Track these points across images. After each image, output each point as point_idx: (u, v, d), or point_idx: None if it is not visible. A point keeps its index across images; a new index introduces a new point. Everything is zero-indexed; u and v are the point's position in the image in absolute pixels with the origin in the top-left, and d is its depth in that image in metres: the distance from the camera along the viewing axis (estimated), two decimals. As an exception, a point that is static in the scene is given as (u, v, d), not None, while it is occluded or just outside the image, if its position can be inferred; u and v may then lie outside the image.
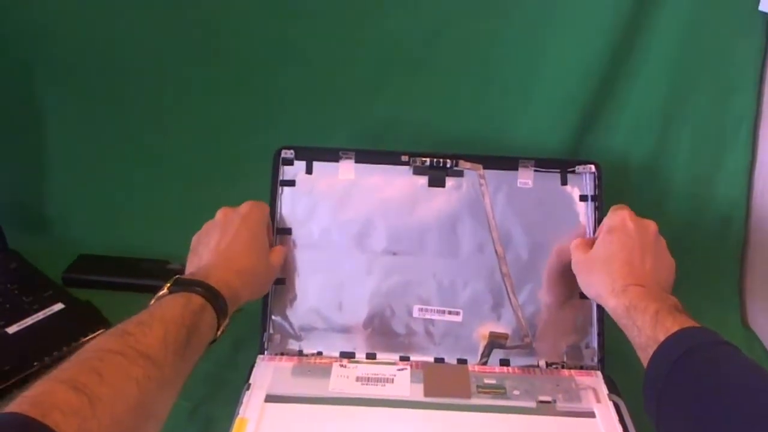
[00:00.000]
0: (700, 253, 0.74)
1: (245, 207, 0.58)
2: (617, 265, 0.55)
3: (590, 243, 0.60)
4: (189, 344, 0.45)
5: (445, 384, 0.58)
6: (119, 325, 0.43)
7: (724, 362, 0.45)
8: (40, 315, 0.66)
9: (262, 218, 0.59)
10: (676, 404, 0.44)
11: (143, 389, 0.39)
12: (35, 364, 0.60)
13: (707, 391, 0.43)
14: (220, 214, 0.59)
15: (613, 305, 0.53)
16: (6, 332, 0.64)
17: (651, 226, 0.58)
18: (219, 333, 0.50)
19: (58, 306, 0.68)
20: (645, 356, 0.48)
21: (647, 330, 0.49)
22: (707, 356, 0.45)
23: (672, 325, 0.47)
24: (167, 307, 0.46)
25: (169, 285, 0.49)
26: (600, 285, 0.56)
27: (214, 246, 0.55)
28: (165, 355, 0.42)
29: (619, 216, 0.58)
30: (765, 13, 0.65)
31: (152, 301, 0.48)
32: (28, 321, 0.65)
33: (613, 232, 0.57)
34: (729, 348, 0.46)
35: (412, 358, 0.62)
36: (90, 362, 0.39)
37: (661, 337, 0.47)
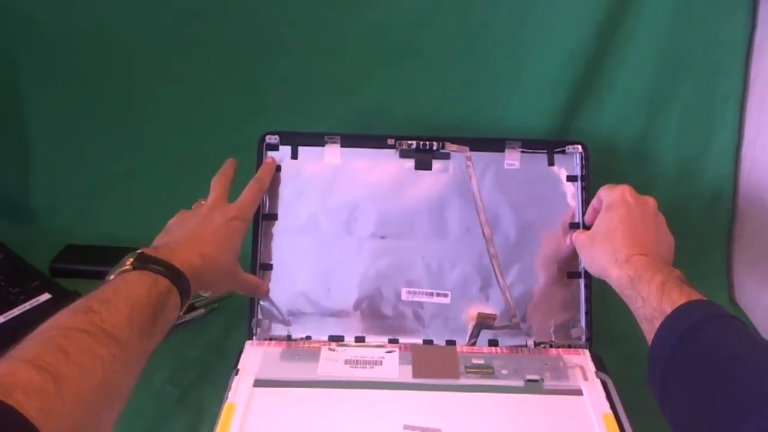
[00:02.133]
0: (688, 231, 0.73)
1: (232, 211, 0.57)
2: (619, 236, 0.55)
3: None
4: (155, 325, 0.44)
5: (433, 365, 0.58)
6: (81, 301, 0.42)
7: (732, 337, 0.44)
8: (27, 305, 0.66)
9: (243, 228, 0.58)
10: (681, 379, 0.43)
11: (108, 368, 0.38)
12: (22, 353, 0.60)
13: (714, 366, 0.42)
14: (207, 206, 0.57)
15: (616, 275, 0.53)
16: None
17: (650, 201, 0.58)
18: (181, 313, 0.50)
19: (45, 296, 0.67)
20: (650, 328, 0.48)
21: (653, 301, 0.48)
22: (714, 330, 0.44)
23: (679, 297, 0.47)
24: (133, 285, 0.45)
25: (132, 260, 0.47)
26: (602, 257, 0.55)
27: (186, 227, 0.54)
28: (130, 335, 0.42)
29: (618, 191, 0.58)
30: (750, -9, 0.65)
31: (111, 275, 0.46)
32: (15, 312, 0.65)
33: (613, 207, 0.57)
34: (736, 322, 0.45)
35: (401, 340, 0.62)
36: (55, 340, 0.38)
37: (668, 309, 0.46)
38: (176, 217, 0.57)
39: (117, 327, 0.41)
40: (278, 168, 0.65)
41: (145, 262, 0.47)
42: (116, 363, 0.39)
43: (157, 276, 0.46)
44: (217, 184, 0.60)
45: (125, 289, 0.44)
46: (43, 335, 0.38)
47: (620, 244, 0.54)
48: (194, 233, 0.54)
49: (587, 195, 0.64)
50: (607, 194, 0.59)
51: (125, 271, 0.46)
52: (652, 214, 0.57)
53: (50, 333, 0.38)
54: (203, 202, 0.58)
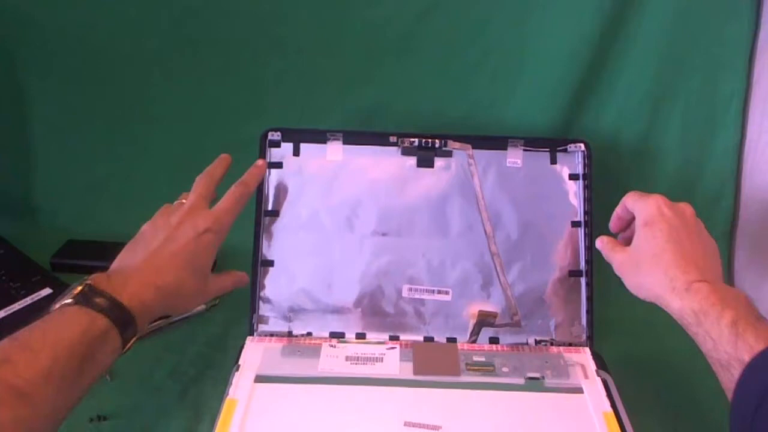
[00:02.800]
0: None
1: (205, 222, 0.51)
2: (669, 259, 0.49)
3: (623, 241, 0.56)
4: (81, 375, 0.41)
5: (434, 362, 0.58)
6: (5, 343, 0.39)
7: None
8: (28, 300, 0.66)
9: (215, 241, 0.52)
10: None
11: None
12: (23, 348, 0.60)
13: None
14: (181, 213, 0.52)
15: (678, 307, 0.48)
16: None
17: (688, 210, 0.53)
18: (126, 349, 0.45)
19: (46, 291, 0.67)
20: (727, 377, 0.44)
21: (726, 345, 0.44)
22: None
23: (756, 341, 0.42)
24: (66, 326, 0.41)
25: (78, 290, 0.44)
26: (656, 285, 0.50)
27: (151, 244, 0.50)
28: (45, 392, 0.38)
29: (653, 204, 0.53)
30: (754, -10, 0.65)
31: (56, 305, 0.43)
32: (16, 306, 0.65)
33: (652, 224, 0.52)
34: None
35: (402, 337, 0.62)
36: None
37: (746, 358, 0.42)
38: (151, 222, 0.53)
39: (31, 383, 0.37)
40: (280, 165, 0.65)
41: (89, 297, 0.43)
42: (19, 426, 0.36)
43: (97, 316, 0.42)
44: (199, 184, 0.55)
45: (56, 331, 0.41)
46: None
47: (674, 269, 0.49)
48: (155, 256, 0.49)
49: (589, 193, 0.64)
50: (640, 208, 0.53)
51: (67, 304, 0.43)
52: (694, 225, 0.53)
53: None
54: (184, 201, 0.54)
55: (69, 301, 0.43)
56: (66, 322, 0.42)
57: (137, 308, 0.45)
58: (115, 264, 0.49)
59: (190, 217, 0.52)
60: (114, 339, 0.43)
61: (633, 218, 0.56)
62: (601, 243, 0.57)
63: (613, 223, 0.58)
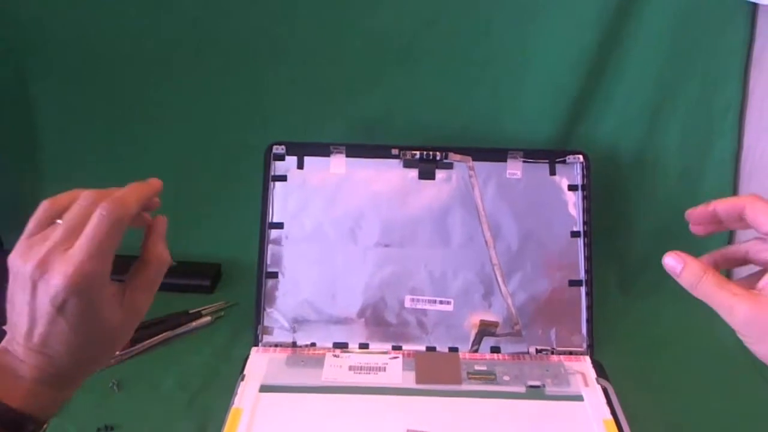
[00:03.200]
0: (689, 239, 0.75)
1: (59, 288, 0.34)
2: None
3: (747, 283, 0.41)
4: None
5: (436, 371, 0.59)
6: None
7: None
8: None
9: (87, 305, 0.35)
10: None
11: None
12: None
13: None
14: (32, 270, 0.34)
15: None
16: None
17: None
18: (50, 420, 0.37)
19: (56, 303, 0.68)
20: None
21: None
22: None
23: None
24: None
25: None
26: None
27: (24, 338, 0.35)
28: None
29: None
30: (749, 3, 0.66)
31: None
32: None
33: None
34: None
35: (405, 347, 0.63)
36: None
37: None
38: (12, 277, 0.36)
39: None
40: (284, 178, 0.66)
41: None
42: None
43: None
44: (77, 213, 0.36)
45: None
46: None
47: None
48: (32, 347, 0.35)
49: (588, 204, 0.65)
50: None
51: None
52: None
53: None
54: (59, 229, 0.36)
55: None
56: None
57: (33, 405, 0.35)
58: (8, 335, 0.37)
59: (41, 272, 0.34)
60: None
61: (725, 225, 0.45)
62: (712, 279, 0.39)
63: (696, 215, 0.45)
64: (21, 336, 0.35)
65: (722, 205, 0.43)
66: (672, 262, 0.42)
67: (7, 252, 0.75)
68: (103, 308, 0.36)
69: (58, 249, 0.35)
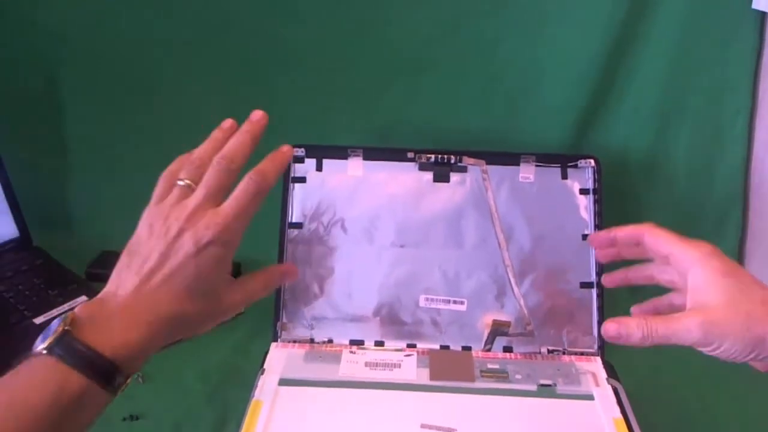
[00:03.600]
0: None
1: (209, 233, 0.40)
2: (751, 281, 0.42)
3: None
4: None
5: (450, 369, 0.60)
6: None
7: None
8: (65, 306, 0.70)
9: (223, 255, 0.41)
10: None
11: None
12: (61, 351, 0.63)
13: None
14: (181, 216, 0.41)
15: None
16: (33, 322, 0.67)
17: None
18: (121, 390, 0.38)
19: (83, 298, 0.71)
20: None
21: None
22: None
23: None
24: (34, 388, 0.35)
25: (55, 336, 0.36)
26: (759, 323, 0.41)
27: (144, 270, 0.40)
28: None
29: (709, 249, 0.44)
30: (758, 11, 0.68)
31: (37, 347, 0.36)
32: (54, 312, 0.69)
33: (709, 257, 0.43)
34: None
35: (419, 345, 0.65)
36: None
37: None
38: (147, 226, 0.42)
39: None
40: (303, 179, 0.68)
41: (65, 346, 0.36)
42: None
43: (71, 373, 0.35)
44: (213, 174, 0.42)
45: (23, 392, 0.35)
46: None
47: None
48: (146, 283, 0.39)
49: (599, 207, 0.66)
50: (683, 250, 0.44)
51: (39, 354, 0.35)
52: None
53: None
54: (190, 184, 0.43)
55: (43, 349, 0.35)
56: (35, 382, 0.35)
57: (123, 356, 0.37)
58: (108, 287, 0.41)
59: (191, 224, 0.40)
60: (96, 394, 0.36)
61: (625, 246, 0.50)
62: (638, 328, 0.43)
63: (599, 240, 0.51)
64: (143, 273, 0.39)
65: (622, 232, 0.49)
66: (613, 331, 0.44)
67: (37, 249, 0.78)
68: (224, 270, 0.42)
69: (203, 206, 0.41)
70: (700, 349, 0.42)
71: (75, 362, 0.35)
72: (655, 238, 0.47)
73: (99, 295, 0.40)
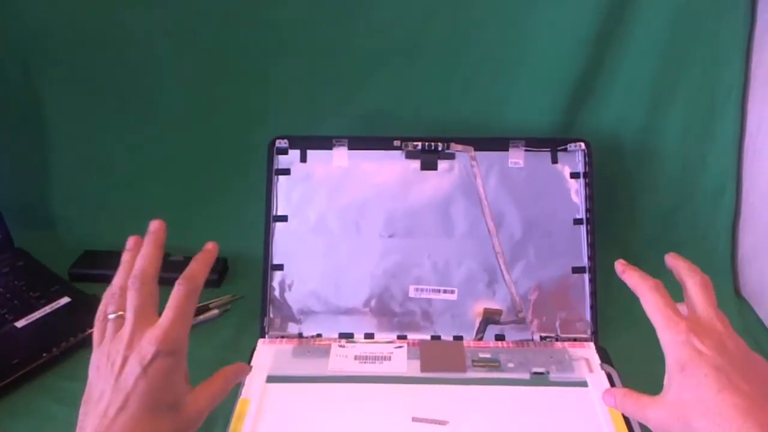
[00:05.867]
0: (692, 225, 0.75)
1: (150, 347, 0.41)
2: (732, 414, 0.38)
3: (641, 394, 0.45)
4: None
5: (440, 359, 0.59)
6: None
7: None
8: (47, 309, 0.68)
9: (172, 364, 0.42)
10: None
11: None
12: (44, 355, 0.62)
13: None
14: (121, 345, 0.42)
15: None
16: (15, 326, 0.66)
17: (719, 327, 0.43)
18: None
19: (65, 300, 0.70)
20: None
21: None
22: None
23: None
24: None
25: None
26: None
27: (102, 412, 0.40)
28: None
29: (683, 345, 0.42)
30: (749, -14, 0.66)
31: None
32: (36, 315, 0.67)
33: (692, 368, 0.41)
34: None
35: (410, 336, 0.64)
36: None
37: None
38: (95, 369, 0.43)
39: None
40: (287, 171, 0.67)
41: None
42: None
43: None
44: (134, 294, 0.44)
45: None
46: None
47: (745, 424, 0.38)
48: (105, 422, 0.40)
49: (591, 191, 0.65)
50: (668, 342, 0.43)
51: None
52: (736, 350, 0.42)
53: None
54: (122, 314, 0.44)
55: None
56: None
57: None
58: None
59: (132, 349, 0.42)
60: None
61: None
62: (614, 398, 0.46)
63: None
64: (100, 413, 0.40)
65: (628, 280, 0.48)
66: (607, 398, 0.47)
67: (19, 250, 0.76)
68: (180, 380, 0.43)
69: (138, 328, 0.42)
70: None
71: None
72: (645, 304, 0.46)
73: None
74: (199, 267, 0.47)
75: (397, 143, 0.66)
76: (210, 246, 0.50)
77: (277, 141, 0.67)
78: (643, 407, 0.44)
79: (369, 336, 0.64)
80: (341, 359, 0.60)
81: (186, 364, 0.44)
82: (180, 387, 0.43)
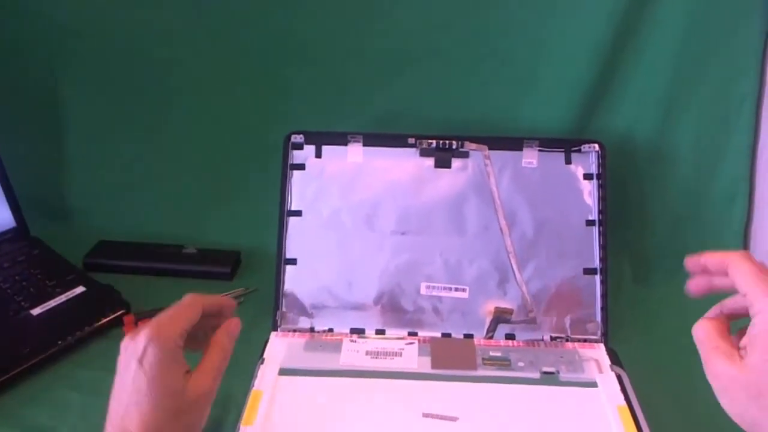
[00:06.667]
0: (703, 231, 0.75)
1: (142, 341, 0.43)
2: None
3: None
4: None
5: (451, 357, 0.59)
6: None
7: None
8: (63, 297, 0.69)
9: (162, 352, 0.43)
10: None
11: None
12: (59, 342, 0.63)
13: None
14: (120, 359, 0.44)
15: None
16: (30, 314, 0.67)
17: None
18: None
19: (80, 289, 0.70)
20: None
21: None
22: None
23: None
24: None
25: None
26: None
27: (112, 417, 0.43)
28: None
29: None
30: (766, -5, 0.66)
31: None
32: (51, 303, 0.68)
33: None
34: None
35: (420, 333, 0.64)
36: None
37: None
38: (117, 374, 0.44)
39: None
40: (302, 167, 0.67)
41: None
42: None
43: None
44: (151, 335, 0.44)
45: None
46: None
47: None
48: (123, 422, 0.42)
49: (604, 192, 0.66)
50: (762, 309, 0.39)
51: None
52: None
53: None
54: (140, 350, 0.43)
55: None
56: None
57: None
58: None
59: (128, 357, 0.44)
60: None
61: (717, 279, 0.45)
62: (704, 332, 0.43)
63: (691, 265, 0.46)
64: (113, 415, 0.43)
65: (711, 258, 0.45)
66: (698, 330, 0.44)
67: (35, 239, 0.78)
68: (173, 368, 0.44)
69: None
70: None
71: None
72: (735, 270, 0.42)
73: None
74: (209, 298, 0.50)
75: (411, 141, 0.67)
76: (234, 320, 0.52)
77: (293, 136, 0.68)
78: (716, 353, 0.41)
79: (380, 332, 0.65)
80: (353, 354, 0.60)
81: (183, 359, 0.45)
82: (178, 374, 0.44)
